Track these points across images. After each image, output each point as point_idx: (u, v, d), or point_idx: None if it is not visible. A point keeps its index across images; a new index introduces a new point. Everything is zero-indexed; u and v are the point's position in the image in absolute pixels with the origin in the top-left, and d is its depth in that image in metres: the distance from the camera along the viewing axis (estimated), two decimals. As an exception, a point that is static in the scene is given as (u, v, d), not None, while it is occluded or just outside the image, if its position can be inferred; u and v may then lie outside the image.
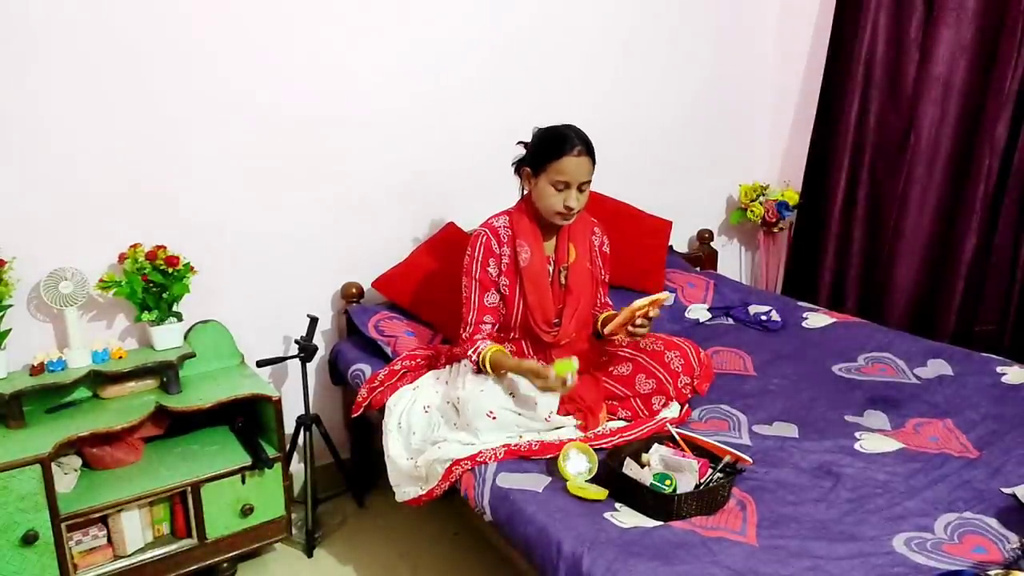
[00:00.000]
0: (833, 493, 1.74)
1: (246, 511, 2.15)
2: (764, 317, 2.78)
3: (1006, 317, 2.77)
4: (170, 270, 2.16)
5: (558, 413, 2.02)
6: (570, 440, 1.93)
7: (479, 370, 2.03)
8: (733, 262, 3.63)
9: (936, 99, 2.88)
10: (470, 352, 2.04)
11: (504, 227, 2.13)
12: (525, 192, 2.15)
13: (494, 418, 1.93)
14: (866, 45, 3.00)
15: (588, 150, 2.02)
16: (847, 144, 3.11)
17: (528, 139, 2.14)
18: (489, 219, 2.16)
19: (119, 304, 2.23)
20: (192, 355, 2.21)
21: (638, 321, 2.02)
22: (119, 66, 2.13)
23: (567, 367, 1.89)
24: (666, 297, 2.05)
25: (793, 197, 3.30)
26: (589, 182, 2.06)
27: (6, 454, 1.84)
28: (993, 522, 1.63)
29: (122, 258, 2.17)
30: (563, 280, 2.15)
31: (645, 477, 1.72)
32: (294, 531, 2.38)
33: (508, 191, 2.23)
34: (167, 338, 2.20)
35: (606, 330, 2.09)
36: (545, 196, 2.05)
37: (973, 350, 2.46)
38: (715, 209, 3.52)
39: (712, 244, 3.40)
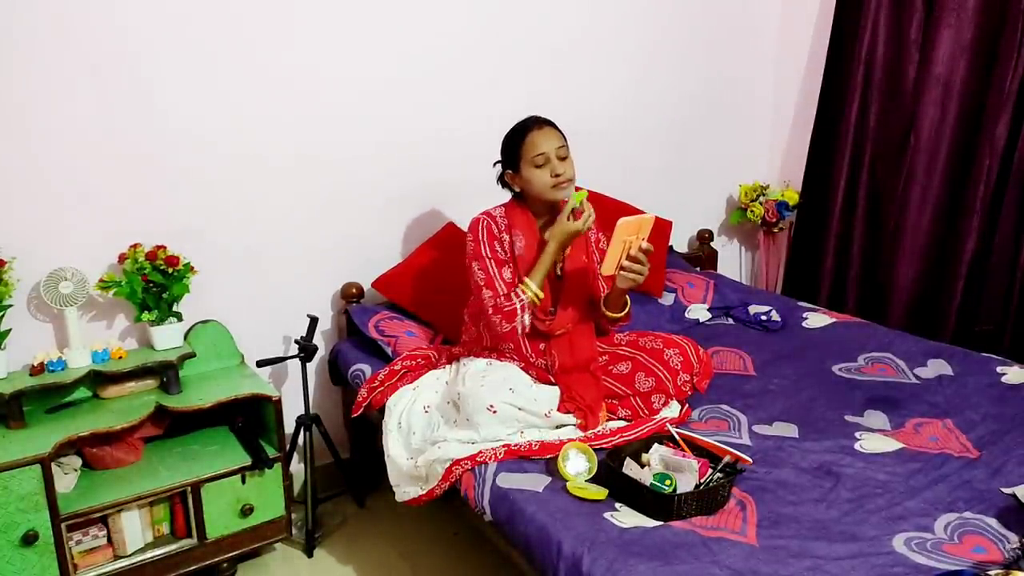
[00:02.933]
0: (833, 493, 1.74)
1: (246, 511, 2.15)
2: (764, 317, 2.78)
3: (1006, 317, 2.77)
4: (170, 270, 2.16)
5: (558, 411, 2.02)
6: (570, 440, 1.93)
7: (529, 309, 2.05)
8: (733, 262, 3.63)
9: (936, 99, 2.88)
10: (515, 303, 2.04)
11: (500, 216, 2.16)
12: (516, 188, 2.17)
13: (495, 412, 1.93)
14: (866, 45, 3.00)
15: (548, 122, 2.10)
16: (847, 144, 3.11)
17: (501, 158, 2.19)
18: (484, 210, 2.18)
19: (119, 304, 2.23)
20: (192, 355, 2.22)
21: (632, 251, 1.99)
22: (120, 66, 2.13)
23: (578, 197, 2.01)
24: (650, 218, 2.00)
25: (793, 197, 3.30)
26: (565, 148, 2.08)
27: (6, 454, 1.84)
28: (993, 522, 1.63)
29: (122, 258, 2.17)
30: (559, 271, 2.16)
31: (645, 477, 1.72)
32: (294, 531, 2.38)
33: (507, 191, 2.24)
34: (167, 338, 2.20)
35: (603, 269, 2.03)
36: (534, 179, 2.08)
37: (973, 350, 2.46)
38: (715, 209, 3.52)
39: (712, 244, 3.40)
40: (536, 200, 2.13)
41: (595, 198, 2.76)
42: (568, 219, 2.05)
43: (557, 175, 2.05)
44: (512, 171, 2.12)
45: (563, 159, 2.07)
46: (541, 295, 2.07)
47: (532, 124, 2.09)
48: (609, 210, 2.73)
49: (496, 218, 2.15)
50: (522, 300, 2.05)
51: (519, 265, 2.12)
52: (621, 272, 2.01)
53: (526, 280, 2.07)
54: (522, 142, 2.07)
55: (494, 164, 2.19)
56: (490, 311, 2.07)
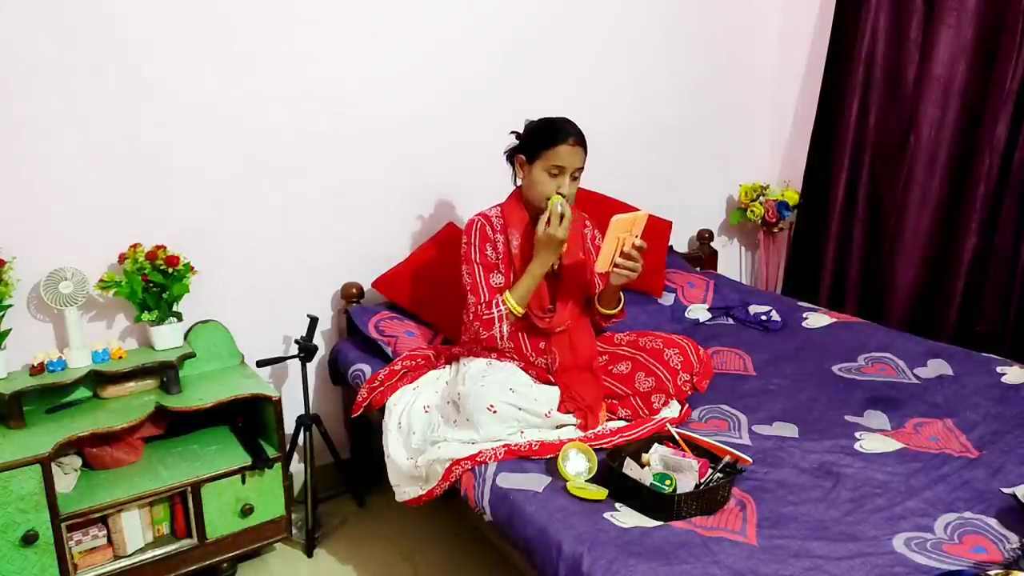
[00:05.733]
0: (833, 493, 1.74)
1: (246, 511, 2.15)
2: (764, 317, 2.78)
3: (1006, 317, 2.77)
4: (170, 270, 2.16)
5: (558, 411, 2.02)
6: (570, 440, 1.93)
7: (510, 319, 2.05)
8: (733, 262, 3.63)
9: (936, 99, 2.88)
10: (493, 312, 2.04)
11: (496, 216, 2.17)
12: (519, 180, 2.18)
13: (495, 412, 1.93)
14: (866, 45, 3.00)
15: (582, 140, 2.08)
16: (847, 144, 3.11)
17: (521, 131, 2.17)
18: (480, 211, 2.19)
19: (119, 304, 2.23)
20: (192, 355, 2.22)
21: (626, 248, 2.00)
22: (119, 67, 2.13)
23: (553, 202, 2.01)
24: (644, 215, 2.01)
25: (793, 197, 3.30)
26: (582, 170, 2.09)
27: (6, 454, 1.84)
28: (993, 522, 1.63)
29: (122, 258, 2.17)
30: (555, 268, 2.16)
31: (645, 477, 1.72)
32: (294, 531, 2.38)
33: (508, 191, 2.24)
34: (167, 338, 2.20)
35: (597, 266, 2.03)
36: (539, 183, 2.08)
37: (973, 350, 2.46)
38: (715, 209, 3.52)
39: (712, 244, 3.40)
40: (528, 199, 2.14)
41: (595, 198, 2.77)
42: (546, 225, 2.01)
43: (560, 194, 2.05)
44: (526, 158, 2.12)
45: (574, 179, 2.08)
46: (519, 310, 2.06)
47: (568, 137, 2.04)
48: (609, 210, 2.73)
49: (491, 219, 2.16)
50: (500, 310, 2.05)
51: (517, 264, 2.12)
52: (615, 269, 2.02)
53: (506, 293, 2.07)
54: (550, 146, 2.05)
55: (511, 132, 2.17)
56: (471, 316, 2.09)
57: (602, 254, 1.99)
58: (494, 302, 2.06)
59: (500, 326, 2.06)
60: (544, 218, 2.02)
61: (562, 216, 2.01)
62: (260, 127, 2.37)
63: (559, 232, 2.01)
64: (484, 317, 2.06)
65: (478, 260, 2.11)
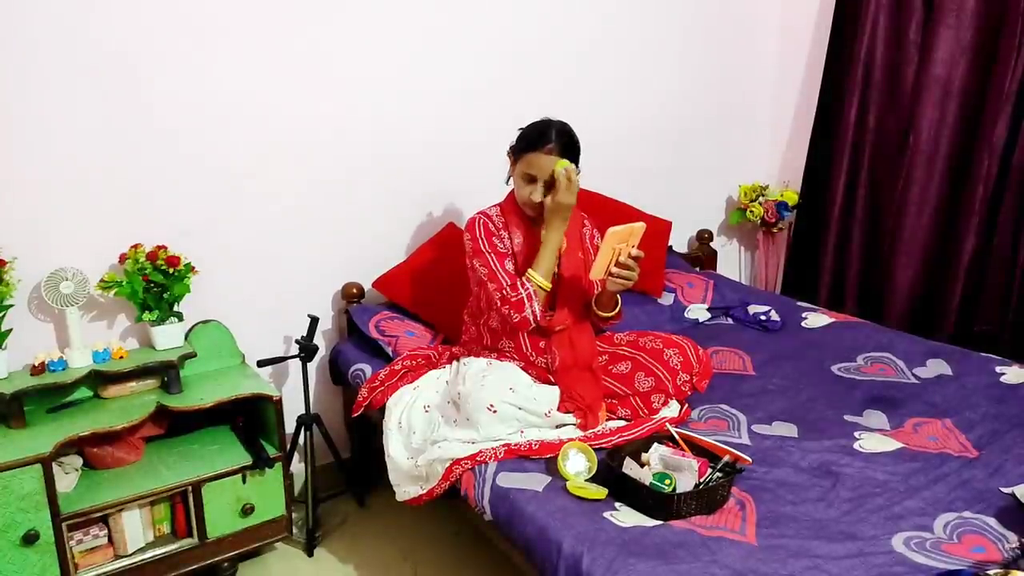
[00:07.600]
0: (832, 493, 1.75)
1: (247, 510, 2.16)
2: (763, 317, 2.79)
3: (1006, 317, 2.78)
4: (171, 270, 2.16)
5: (558, 410, 2.03)
6: (570, 440, 1.93)
7: (539, 296, 2.05)
8: (732, 262, 3.64)
9: (935, 100, 2.88)
10: (521, 292, 2.04)
11: (496, 215, 2.18)
12: (509, 177, 2.18)
13: (495, 411, 1.94)
14: (866, 46, 3.01)
15: (563, 149, 2.04)
16: (846, 145, 3.11)
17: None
18: (480, 210, 2.20)
19: (120, 304, 2.24)
20: (193, 355, 2.22)
21: (622, 258, 2.00)
22: (118, 68, 2.14)
23: (558, 169, 2.00)
24: (641, 227, 2.00)
25: (792, 197, 3.31)
26: None
27: (7, 454, 1.85)
28: (992, 521, 1.63)
29: (123, 258, 2.17)
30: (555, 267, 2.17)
31: (645, 477, 1.73)
32: (295, 530, 2.39)
33: (506, 192, 2.24)
34: (168, 338, 2.20)
35: (591, 273, 2.03)
36: (517, 185, 2.12)
37: (972, 350, 2.46)
38: (715, 209, 3.53)
39: (712, 244, 3.41)
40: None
41: (595, 198, 2.77)
42: (555, 194, 2.03)
43: (534, 199, 2.06)
44: (513, 156, 2.13)
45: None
46: (547, 285, 2.07)
47: (545, 143, 2.03)
48: (609, 211, 2.74)
49: (492, 217, 2.17)
50: (527, 289, 2.06)
51: (518, 261, 2.13)
52: (610, 277, 2.02)
53: (529, 271, 2.08)
54: (526, 151, 2.06)
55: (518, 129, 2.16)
56: (499, 303, 2.08)
57: (597, 263, 1.99)
58: (519, 283, 2.07)
59: (531, 305, 2.05)
60: (559, 189, 2.01)
61: (569, 180, 2.00)
62: (261, 128, 2.37)
63: (567, 197, 2.01)
64: (513, 300, 2.05)
65: (489, 250, 2.11)
